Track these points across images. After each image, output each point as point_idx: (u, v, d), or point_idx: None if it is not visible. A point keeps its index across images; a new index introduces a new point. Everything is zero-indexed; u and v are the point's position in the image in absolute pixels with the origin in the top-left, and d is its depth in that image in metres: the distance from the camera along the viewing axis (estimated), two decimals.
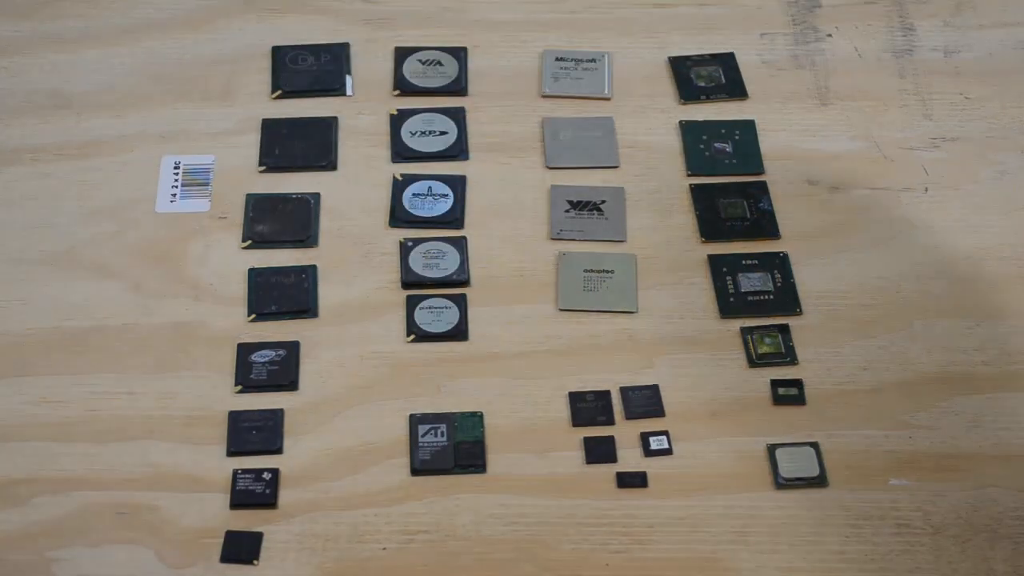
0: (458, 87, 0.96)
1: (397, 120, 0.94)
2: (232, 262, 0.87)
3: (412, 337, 0.84)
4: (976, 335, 0.84)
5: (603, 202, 0.90)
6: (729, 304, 0.85)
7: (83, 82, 0.95)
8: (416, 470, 0.78)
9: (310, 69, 0.96)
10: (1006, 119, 0.95)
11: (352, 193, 0.90)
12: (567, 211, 0.89)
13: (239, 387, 0.81)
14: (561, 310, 0.85)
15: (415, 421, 0.80)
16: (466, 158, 0.92)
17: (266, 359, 0.82)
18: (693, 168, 0.92)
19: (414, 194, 0.90)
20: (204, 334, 0.83)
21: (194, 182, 0.90)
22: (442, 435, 0.79)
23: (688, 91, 0.96)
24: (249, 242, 0.88)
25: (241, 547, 0.75)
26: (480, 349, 0.83)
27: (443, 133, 0.93)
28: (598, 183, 0.91)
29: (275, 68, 0.96)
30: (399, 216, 0.89)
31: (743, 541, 0.75)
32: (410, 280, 0.86)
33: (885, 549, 0.75)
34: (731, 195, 0.90)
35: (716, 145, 0.93)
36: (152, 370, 0.82)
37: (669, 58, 0.97)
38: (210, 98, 0.95)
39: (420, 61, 0.97)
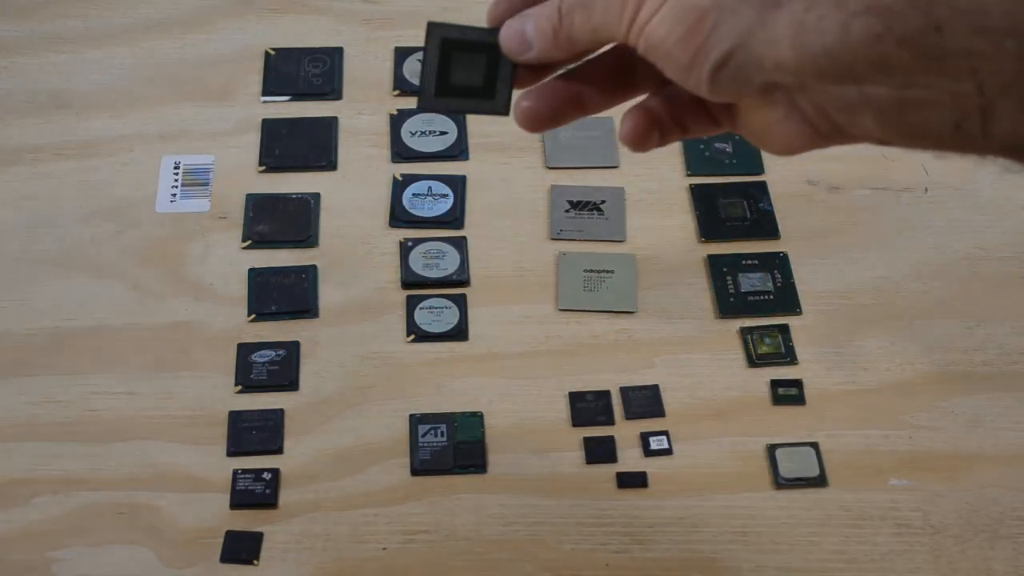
0: None
1: (397, 120, 0.94)
2: (232, 262, 0.87)
3: (412, 337, 0.84)
4: (976, 335, 0.84)
5: (603, 202, 0.90)
6: (729, 304, 0.85)
7: (83, 82, 0.95)
8: (416, 470, 0.78)
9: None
10: None
11: (352, 193, 0.90)
12: (567, 211, 0.89)
13: (239, 387, 0.81)
14: (561, 310, 0.85)
15: (415, 421, 0.80)
16: (466, 158, 0.92)
17: (266, 359, 0.82)
18: (693, 168, 0.92)
19: (414, 194, 0.90)
20: (204, 334, 0.83)
21: (194, 182, 0.90)
22: (442, 435, 0.79)
23: None
24: (249, 242, 0.88)
25: (241, 547, 0.75)
26: (480, 349, 0.83)
27: (443, 133, 0.93)
28: (598, 183, 0.91)
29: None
30: (399, 216, 0.89)
31: (743, 541, 0.75)
32: (410, 280, 0.86)
33: (885, 549, 0.75)
34: (731, 195, 0.90)
35: (716, 145, 0.93)
36: (152, 370, 0.82)
37: None
38: (210, 98, 0.95)
39: (420, 61, 0.97)
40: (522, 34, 0.59)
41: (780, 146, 0.57)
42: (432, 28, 0.61)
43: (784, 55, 0.52)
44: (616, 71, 0.61)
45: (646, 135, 0.61)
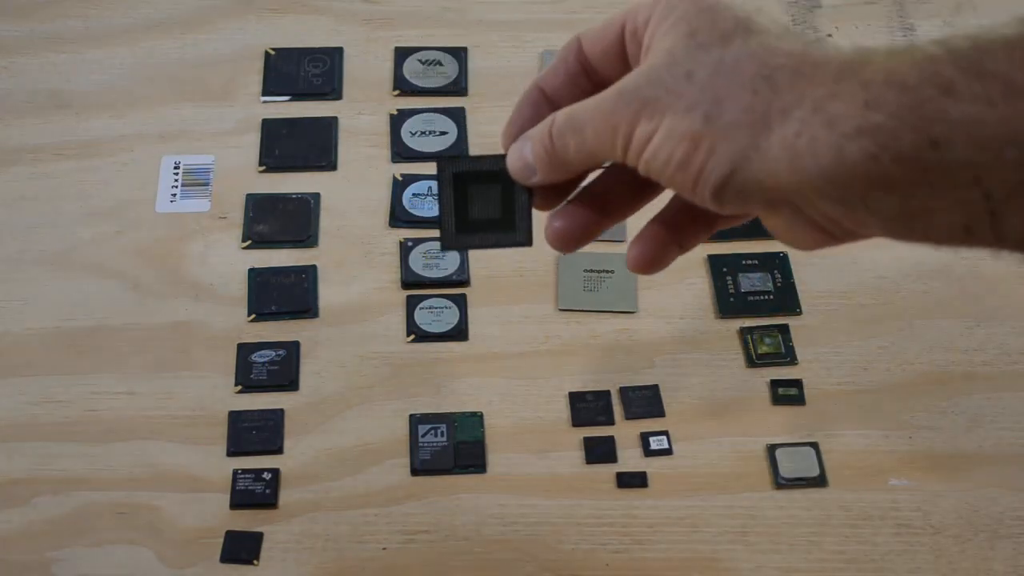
0: (458, 87, 0.96)
1: (397, 120, 0.94)
2: (232, 262, 0.87)
3: (412, 337, 0.84)
4: (976, 335, 0.84)
5: None
6: (729, 304, 0.85)
7: (83, 82, 0.95)
8: (416, 470, 0.78)
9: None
10: None
11: (352, 193, 0.90)
12: None
13: (239, 387, 0.81)
14: (561, 310, 0.85)
15: (415, 421, 0.80)
16: None
17: (266, 359, 0.82)
18: None
19: (414, 194, 0.90)
20: (204, 334, 0.83)
21: (194, 182, 0.90)
22: (442, 435, 0.79)
23: None
24: (249, 242, 0.88)
25: (241, 547, 0.75)
26: (480, 349, 0.83)
27: (443, 133, 0.93)
28: None
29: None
30: (399, 216, 0.89)
31: (743, 541, 0.75)
32: (410, 280, 0.86)
33: (885, 549, 0.75)
34: None
35: None
36: (152, 370, 0.82)
37: None
38: (210, 98, 0.95)
39: (420, 61, 0.97)
40: (524, 158, 0.59)
41: (799, 246, 0.56)
42: (442, 164, 0.60)
43: (782, 178, 0.51)
44: (636, 180, 0.60)
45: (658, 259, 0.61)
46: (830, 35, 0.99)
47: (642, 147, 0.54)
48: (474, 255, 0.87)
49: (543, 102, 0.60)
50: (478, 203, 0.60)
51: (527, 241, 0.61)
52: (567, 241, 0.61)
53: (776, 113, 0.51)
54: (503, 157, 0.60)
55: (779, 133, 0.51)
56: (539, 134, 0.58)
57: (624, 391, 0.81)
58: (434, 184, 0.90)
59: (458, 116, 0.94)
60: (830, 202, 0.52)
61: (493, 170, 0.59)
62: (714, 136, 0.52)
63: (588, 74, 0.60)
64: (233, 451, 0.79)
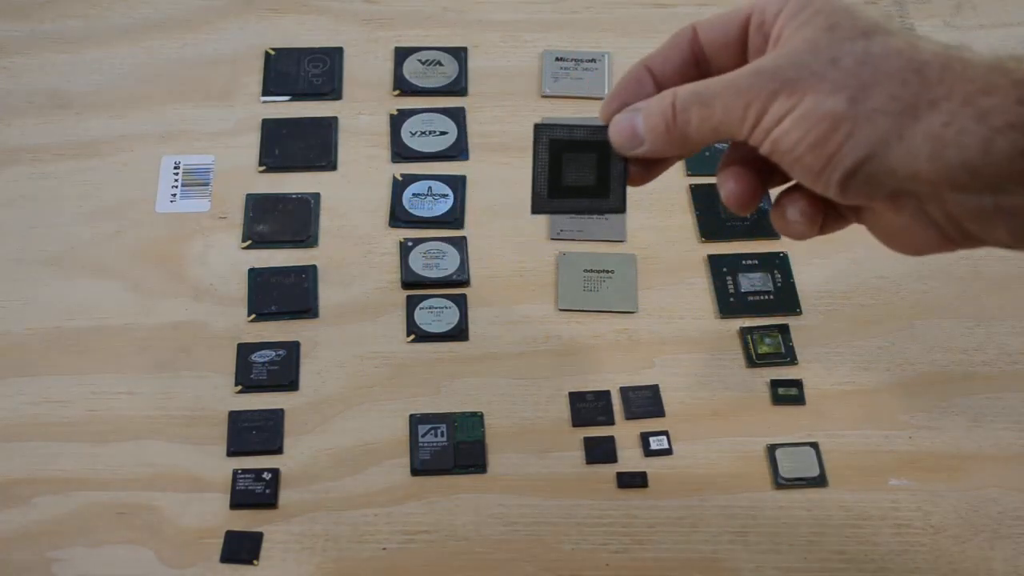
0: (458, 87, 0.96)
1: (397, 120, 0.94)
2: (232, 262, 0.87)
3: (412, 337, 0.84)
4: (976, 335, 0.84)
5: None
6: (729, 304, 0.85)
7: (83, 82, 0.95)
8: (416, 470, 0.78)
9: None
10: None
11: (352, 193, 0.90)
12: None
13: (239, 387, 0.81)
14: (561, 310, 0.85)
15: (415, 421, 0.80)
16: (466, 158, 0.92)
17: (266, 359, 0.82)
18: (693, 168, 0.91)
19: (414, 194, 0.90)
20: (204, 334, 0.83)
21: (194, 182, 0.90)
22: (442, 435, 0.79)
23: None
24: (249, 242, 0.88)
25: (241, 547, 0.75)
26: (480, 349, 0.83)
27: (443, 133, 0.93)
28: None
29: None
30: (399, 216, 0.89)
31: (743, 541, 0.75)
32: (410, 280, 0.86)
33: (885, 549, 0.75)
34: None
35: (716, 145, 0.92)
36: (152, 370, 0.82)
37: None
38: (210, 98, 0.95)
39: (420, 61, 0.97)
40: (632, 128, 0.59)
41: (906, 248, 0.56)
42: (539, 130, 0.60)
43: (920, 167, 0.52)
44: None
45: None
46: None
47: (773, 125, 0.55)
48: (474, 255, 0.87)
49: (649, 81, 0.60)
50: (572, 169, 0.60)
51: (622, 207, 0.60)
52: (742, 203, 0.60)
53: (925, 104, 0.52)
54: (601, 128, 0.59)
55: (926, 123, 0.52)
56: (658, 107, 0.58)
57: (624, 391, 0.81)
58: (434, 183, 0.90)
59: (458, 116, 0.94)
60: (963, 195, 0.52)
61: (590, 140, 0.59)
62: (857, 119, 0.53)
63: (698, 63, 0.59)
64: (233, 451, 0.79)
